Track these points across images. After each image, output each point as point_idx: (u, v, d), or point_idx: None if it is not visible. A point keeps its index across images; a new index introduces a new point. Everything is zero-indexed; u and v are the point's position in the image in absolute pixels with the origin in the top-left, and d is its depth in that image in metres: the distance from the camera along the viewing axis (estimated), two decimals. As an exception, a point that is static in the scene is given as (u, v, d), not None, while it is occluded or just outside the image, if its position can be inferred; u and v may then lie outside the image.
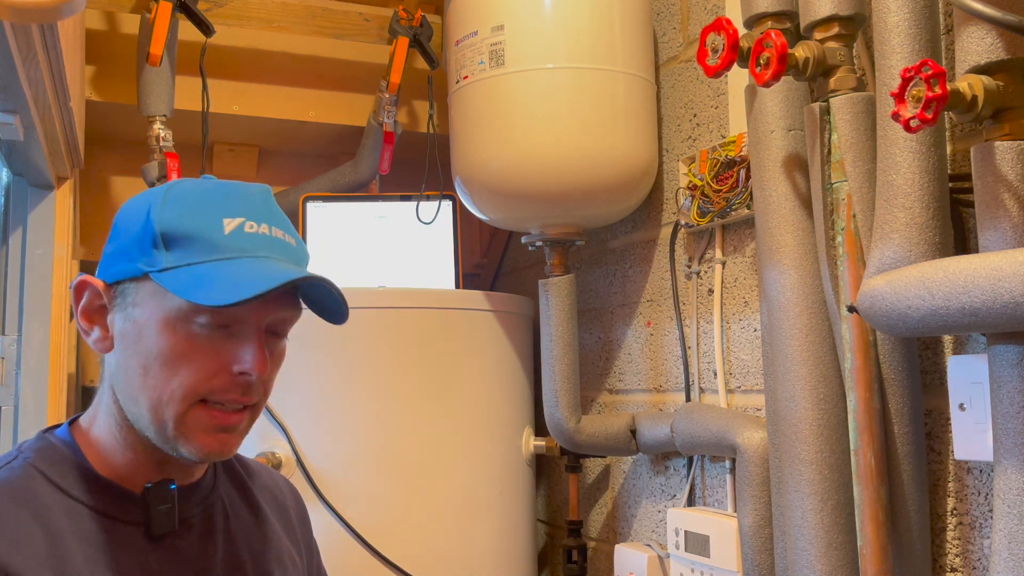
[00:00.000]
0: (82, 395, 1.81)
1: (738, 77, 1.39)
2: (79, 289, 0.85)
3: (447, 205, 1.87)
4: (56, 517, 0.80)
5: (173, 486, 0.85)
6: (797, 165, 1.15)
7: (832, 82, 1.07)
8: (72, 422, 0.89)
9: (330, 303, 0.87)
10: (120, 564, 0.80)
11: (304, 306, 0.88)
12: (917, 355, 1.08)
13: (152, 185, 1.68)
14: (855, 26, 1.08)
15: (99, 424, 0.86)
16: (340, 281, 1.94)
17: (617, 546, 1.59)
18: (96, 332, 0.85)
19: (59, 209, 1.62)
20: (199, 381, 0.81)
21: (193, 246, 0.80)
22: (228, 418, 0.83)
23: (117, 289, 0.83)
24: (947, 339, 1.09)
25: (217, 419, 0.82)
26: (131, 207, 0.85)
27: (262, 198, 0.86)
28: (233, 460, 0.99)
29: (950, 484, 1.08)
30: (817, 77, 1.08)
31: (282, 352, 0.88)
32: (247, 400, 0.83)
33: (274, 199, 0.88)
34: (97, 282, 0.84)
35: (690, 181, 1.50)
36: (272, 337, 0.86)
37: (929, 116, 0.82)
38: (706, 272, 1.50)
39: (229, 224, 0.82)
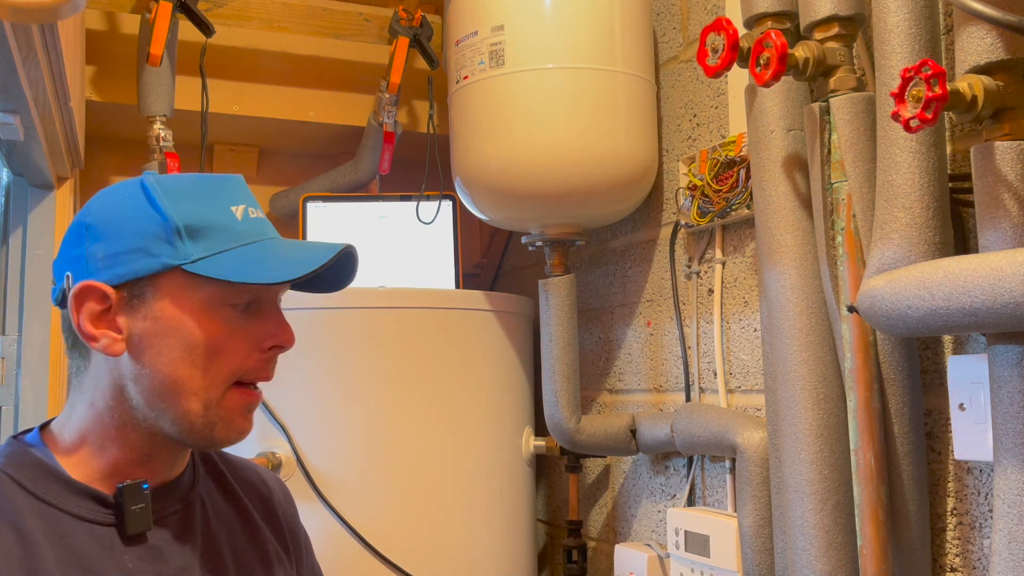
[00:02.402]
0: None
1: (738, 77, 1.39)
2: (80, 296, 0.82)
3: (447, 205, 1.87)
4: (28, 521, 0.79)
5: (146, 486, 0.85)
6: (797, 165, 1.15)
7: (832, 82, 1.07)
8: (42, 428, 0.88)
9: (336, 270, 0.92)
10: (94, 566, 0.80)
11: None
12: (917, 355, 1.08)
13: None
14: (855, 26, 1.08)
15: (79, 428, 0.85)
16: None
17: (617, 546, 1.59)
18: (106, 337, 0.82)
19: (59, 209, 1.62)
20: (238, 363, 0.85)
21: (217, 235, 0.84)
22: (256, 396, 0.88)
23: (128, 289, 0.82)
24: (947, 339, 1.09)
25: (249, 398, 0.87)
26: (117, 206, 0.84)
27: (243, 184, 0.91)
28: (214, 456, 1.00)
29: (950, 484, 1.08)
30: (817, 77, 1.08)
31: None
32: (272, 374, 0.89)
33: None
34: (103, 286, 0.82)
35: (690, 181, 1.50)
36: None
37: (929, 116, 0.82)
38: (706, 272, 1.50)
39: (237, 211, 0.87)
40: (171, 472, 0.90)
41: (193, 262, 0.82)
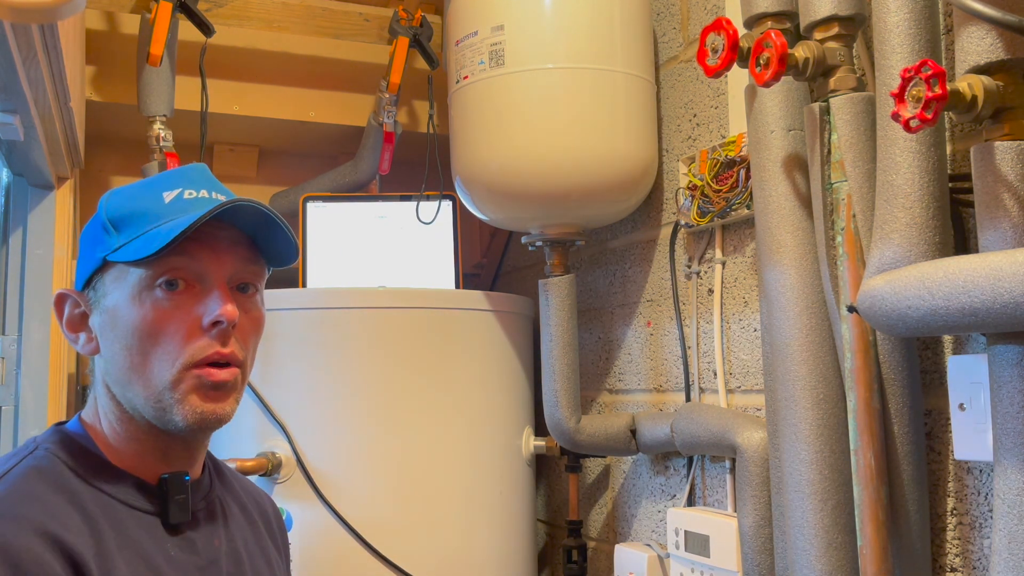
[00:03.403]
0: (81, 395, 1.81)
1: (738, 77, 1.39)
2: (59, 303, 0.89)
3: (447, 205, 1.87)
4: (88, 504, 0.81)
5: (187, 477, 0.87)
6: (797, 165, 1.15)
7: (832, 82, 1.07)
8: (79, 417, 0.91)
9: (279, 242, 0.89)
10: (146, 552, 0.82)
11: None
12: (917, 355, 1.08)
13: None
14: (855, 26, 1.08)
15: (100, 422, 0.88)
16: (340, 281, 1.94)
17: (617, 546, 1.59)
18: (82, 337, 0.88)
19: (59, 209, 1.62)
20: (178, 344, 0.83)
21: (138, 221, 0.85)
22: (215, 374, 0.84)
23: (89, 291, 0.88)
24: (947, 339, 1.09)
25: (205, 375, 0.84)
26: (91, 222, 0.91)
27: (198, 172, 0.91)
28: (223, 467, 1.02)
29: (950, 484, 1.08)
30: (817, 77, 1.08)
31: (259, 314, 0.91)
32: (227, 352, 0.85)
33: (212, 174, 0.92)
34: (73, 292, 0.89)
35: (690, 181, 1.50)
36: (241, 295, 0.88)
37: (929, 116, 0.82)
38: (706, 272, 1.50)
39: (168, 195, 0.87)
40: (192, 468, 0.91)
41: (114, 251, 0.84)
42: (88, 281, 0.88)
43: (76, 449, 0.85)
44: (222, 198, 0.88)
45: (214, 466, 0.99)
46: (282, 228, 0.87)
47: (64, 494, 0.80)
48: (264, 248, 0.90)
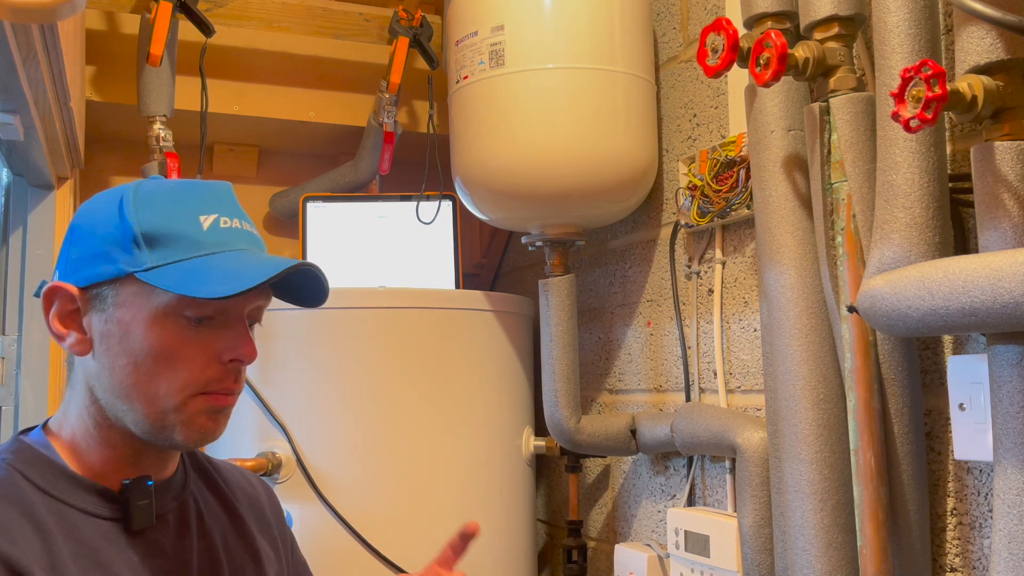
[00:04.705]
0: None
1: (738, 77, 1.39)
2: (49, 295, 0.86)
3: (447, 205, 1.87)
4: (41, 514, 0.81)
5: (150, 482, 0.87)
6: (797, 165, 1.15)
7: (832, 82, 1.07)
8: (43, 426, 0.90)
9: (312, 286, 0.91)
10: (104, 559, 0.82)
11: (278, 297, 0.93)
12: (917, 355, 1.08)
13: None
14: (855, 26, 1.08)
15: (71, 426, 0.87)
16: (340, 281, 1.94)
17: (617, 546, 1.59)
18: (72, 336, 0.86)
19: (59, 209, 1.62)
20: (194, 374, 0.83)
21: (175, 244, 0.83)
22: (224, 400, 0.86)
23: (92, 292, 0.85)
24: (947, 339, 1.09)
25: (214, 401, 0.85)
26: (94, 210, 0.87)
27: (228, 194, 0.90)
28: (204, 460, 1.01)
29: (950, 484, 1.08)
30: (817, 77, 1.08)
31: (256, 347, 0.92)
32: (238, 387, 0.87)
33: (234, 194, 0.92)
34: (69, 287, 0.85)
35: (690, 181, 1.50)
36: (250, 327, 0.89)
37: (929, 116, 0.82)
38: (706, 272, 1.50)
39: (206, 221, 0.85)
40: (163, 471, 0.90)
41: (146, 270, 0.82)
42: (95, 284, 0.85)
43: (35, 458, 0.85)
44: (248, 228, 0.89)
45: (193, 462, 0.98)
46: (324, 284, 0.90)
47: (16, 506, 0.80)
48: (290, 286, 0.91)
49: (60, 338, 0.86)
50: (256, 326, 0.91)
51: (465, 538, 1.06)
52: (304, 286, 0.91)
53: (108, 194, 0.88)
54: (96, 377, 0.85)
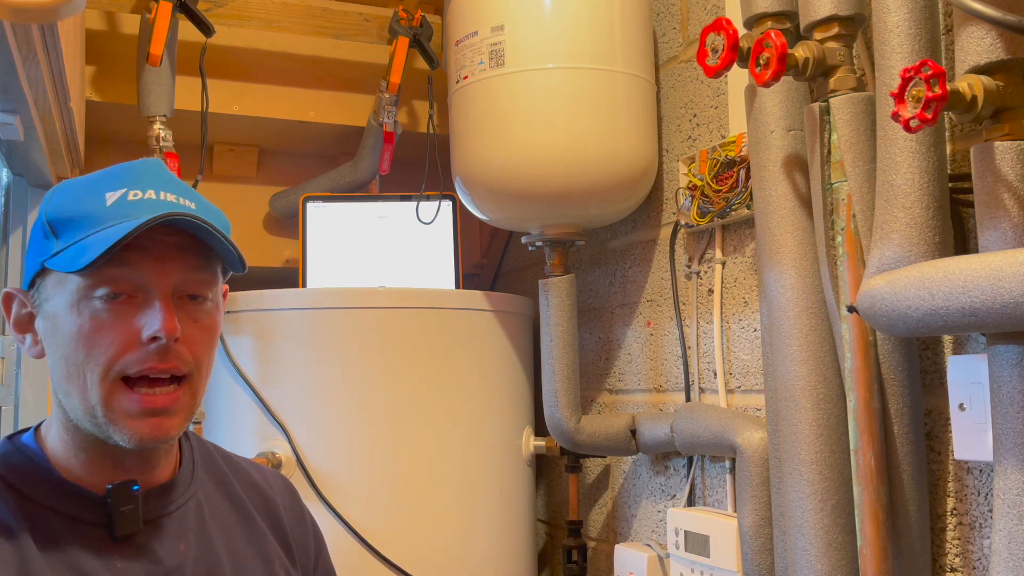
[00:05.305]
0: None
1: (738, 77, 1.39)
2: (6, 302, 0.86)
3: (447, 205, 1.87)
4: (18, 520, 0.79)
5: (136, 487, 0.84)
6: (797, 165, 1.15)
7: (832, 82, 1.07)
8: (36, 429, 0.89)
9: (226, 256, 0.86)
10: (84, 566, 0.80)
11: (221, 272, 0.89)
12: (917, 355, 1.08)
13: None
14: (855, 26, 1.08)
15: (53, 430, 0.86)
16: (340, 281, 1.94)
17: (617, 546, 1.59)
18: (28, 339, 0.86)
19: (59, 209, 1.62)
20: (112, 356, 0.80)
21: (77, 225, 0.81)
22: (155, 400, 0.81)
23: (32, 292, 0.85)
24: (947, 339, 1.09)
25: (143, 402, 0.81)
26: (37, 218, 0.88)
27: (149, 168, 0.86)
28: (219, 459, 0.99)
29: (950, 484, 1.08)
30: (817, 77, 1.08)
31: (210, 322, 0.86)
32: (165, 366, 0.81)
33: (167, 168, 0.87)
34: (20, 291, 0.86)
35: (690, 181, 1.50)
36: (190, 303, 0.84)
37: (929, 116, 0.82)
38: (706, 272, 1.50)
39: (111, 197, 0.82)
40: (155, 474, 0.88)
41: (51, 257, 0.81)
42: (32, 282, 0.85)
43: (20, 462, 0.84)
44: (171, 198, 0.83)
45: (204, 461, 0.96)
46: (220, 240, 0.83)
47: None
48: (221, 253, 0.86)
49: (21, 342, 0.86)
50: (207, 304, 0.86)
51: None
52: (225, 251, 0.85)
53: None
54: (52, 377, 0.84)
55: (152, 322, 0.80)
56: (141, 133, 1.70)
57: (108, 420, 0.80)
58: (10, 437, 0.88)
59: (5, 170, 1.57)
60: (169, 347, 0.81)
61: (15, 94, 1.12)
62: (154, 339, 0.80)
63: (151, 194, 0.82)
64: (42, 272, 0.83)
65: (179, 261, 0.82)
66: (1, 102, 1.16)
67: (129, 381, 0.81)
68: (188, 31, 1.71)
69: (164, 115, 1.69)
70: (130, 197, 0.81)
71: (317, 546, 1.06)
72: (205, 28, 1.69)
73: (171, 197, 0.83)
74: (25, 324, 0.86)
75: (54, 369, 0.83)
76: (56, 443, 0.85)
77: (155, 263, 0.81)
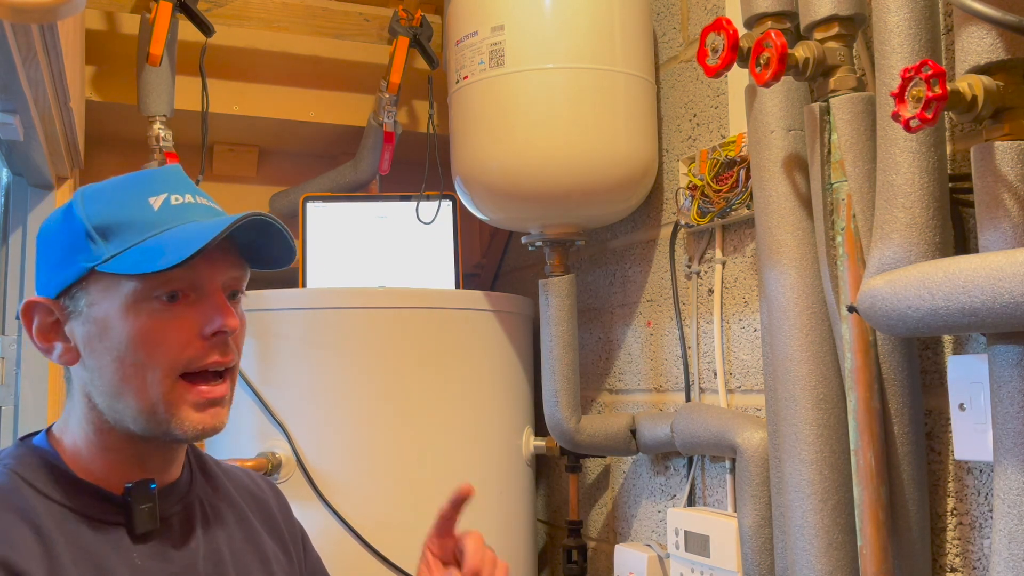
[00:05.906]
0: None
1: (738, 77, 1.39)
2: (27, 312, 0.86)
3: (447, 205, 1.87)
4: (42, 520, 0.80)
5: (153, 486, 0.86)
6: (797, 165, 1.15)
7: (832, 82, 1.07)
8: (48, 431, 0.90)
9: (279, 246, 0.89)
10: (105, 563, 0.81)
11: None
12: (917, 355, 1.08)
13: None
14: (855, 26, 1.08)
15: (72, 433, 0.87)
16: (340, 281, 1.94)
17: (617, 546, 1.59)
18: (58, 348, 0.86)
19: (59, 209, 1.62)
20: (176, 354, 0.83)
21: (129, 229, 0.83)
22: (213, 391, 0.85)
23: (65, 299, 0.85)
24: (947, 339, 1.09)
25: (203, 394, 0.84)
26: (50, 222, 0.89)
27: (175, 173, 0.89)
28: (210, 464, 1.01)
29: (950, 484, 1.08)
30: (817, 77, 1.08)
31: (244, 318, 0.90)
32: (227, 361, 0.86)
33: (185, 174, 0.91)
34: (43, 300, 0.86)
35: (690, 181, 1.50)
36: (231, 299, 0.88)
37: (929, 116, 0.82)
38: (706, 272, 1.50)
39: (156, 201, 0.85)
40: (169, 473, 0.90)
41: (104, 261, 0.82)
42: (66, 289, 0.85)
43: (38, 463, 0.85)
44: (204, 202, 0.88)
45: (199, 465, 0.98)
46: (284, 236, 0.88)
47: (17, 512, 0.80)
48: (257, 251, 0.90)
49: (47, 352, 0.86)
50: (241, 298, 0.90)
51: (456, 504, 1.04)
52: (270, 247, 0.89)
53: (61, 207, 0.89)
54: (89, 382, 0.85)
55: (216, 318, 0.84)
56: (141, 133, 1.70)
57: (169, 415, 0.83)
58: (23, 439, 0.89)
59: (5, 170, 1.57)
60: (228, 340, 0.85)
61: (15, 94, 1.12)
62: (216, 334, 0.84)
63: (189, 198, 0.87)
64: (85, 278, 0.84)
65: (226, 260, 0.87)
66: (1, 102, 1.15)
67: (187, 376, 0.84)
68: (188, 31, 1.71)
69: (164, 115, 1.69)
70: (172, 201, 0.85)
71: (304, 539, 1.09)
72: (205, 28, 1.69)
73: (203, 200, 0.88)
74: (51, 333, 0.86)
75: (100, 373, 0.84)
76: (79, 444, 0.86)
77: (207, 263, 0.84)
